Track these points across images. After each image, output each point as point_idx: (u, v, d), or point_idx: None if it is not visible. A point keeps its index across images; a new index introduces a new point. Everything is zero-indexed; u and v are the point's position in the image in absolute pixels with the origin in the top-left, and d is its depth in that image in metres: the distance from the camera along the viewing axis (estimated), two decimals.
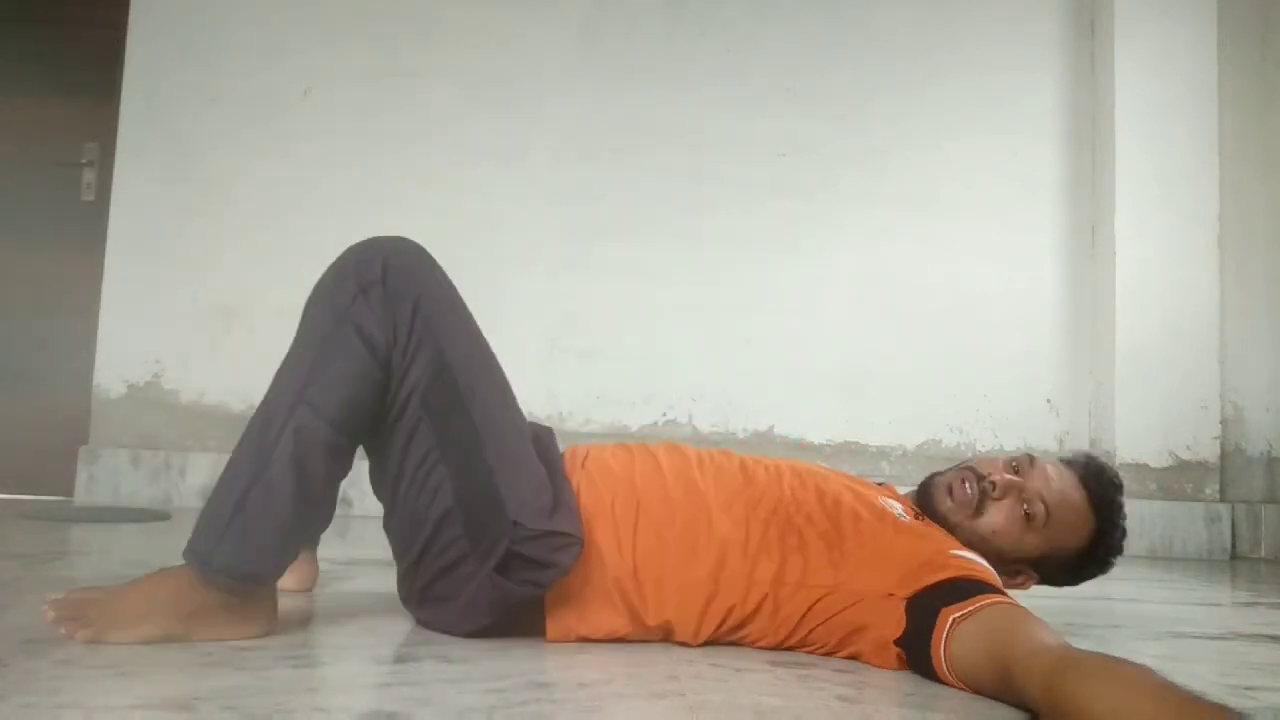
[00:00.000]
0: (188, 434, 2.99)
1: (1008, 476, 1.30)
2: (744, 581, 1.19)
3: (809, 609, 1.19)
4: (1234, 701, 1.08)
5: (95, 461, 2.93)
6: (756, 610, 1.20)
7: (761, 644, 1.22)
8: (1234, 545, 3.15)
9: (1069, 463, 1.37)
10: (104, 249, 3.00)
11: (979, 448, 3.22)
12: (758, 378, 3.17)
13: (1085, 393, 3.27)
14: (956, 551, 1.20)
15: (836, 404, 3.19)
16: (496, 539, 1.13)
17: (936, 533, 1.26)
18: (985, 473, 1.31)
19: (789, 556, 1.20)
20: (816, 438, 3.17)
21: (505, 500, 1.14)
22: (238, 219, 3.04)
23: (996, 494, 1.29)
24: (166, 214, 3.02)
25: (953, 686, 1.06)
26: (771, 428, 3.16)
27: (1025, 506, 1.28)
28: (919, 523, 1.27)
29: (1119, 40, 3.23)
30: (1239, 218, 3.29)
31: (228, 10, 3.09)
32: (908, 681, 1.10)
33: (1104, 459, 1.38)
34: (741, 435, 3.14)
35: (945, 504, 1.31)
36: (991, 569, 1.20)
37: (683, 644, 1.22)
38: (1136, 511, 3.00)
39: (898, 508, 1.28)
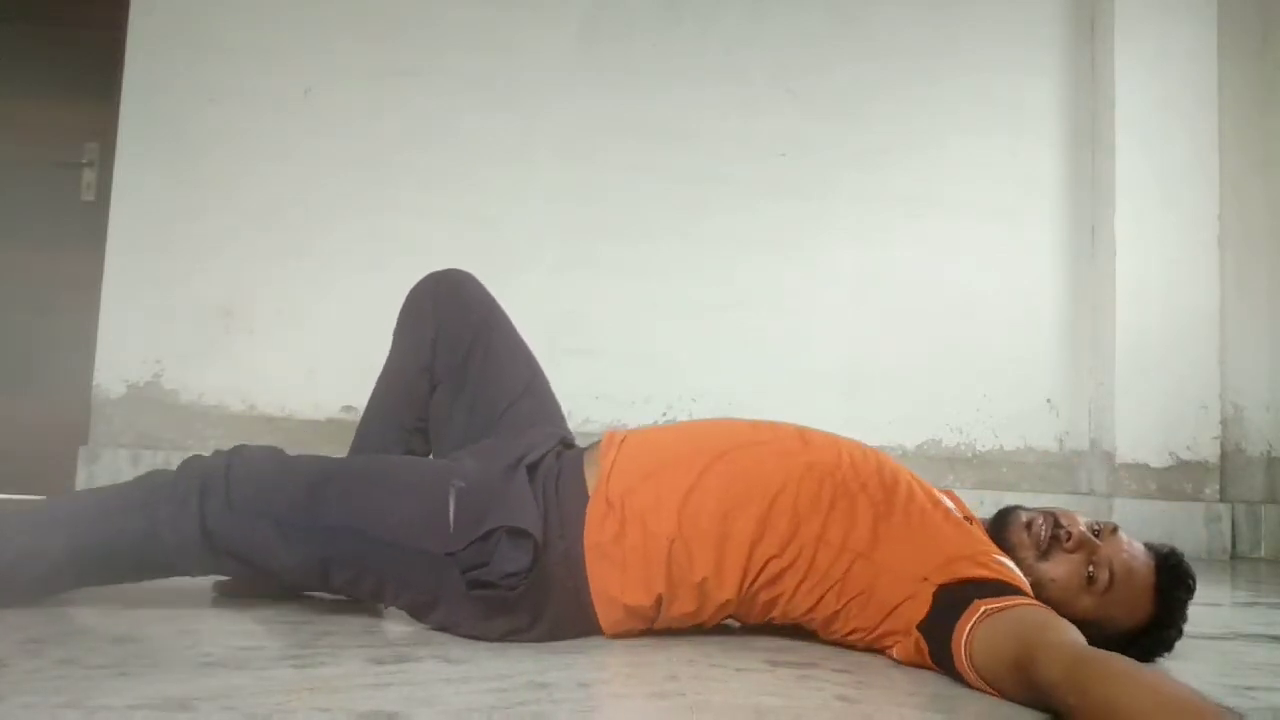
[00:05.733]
0: (188, 434, 2.98)
1: (1085, 533, 1.26)
2: (788, 533, 1.20)
3: (844, 573, 1.20)
4: (1234, 701, 1.08)
5: (95, 461, 2.93)
6: (792, 564, 1.21)
7: (796, 605, 1.23)
8: (1234, 545, 3.14)
9: (1151, 547, 1.32)
10: (104, 249, 2.99)
11: (979, 448, 3.22)
12: (758, 378, 3.17)
13: (1085, 393, 3.27)
14: (999, 557, 1.19)
15: (836, 404, 3.18)
16: (447, 577, 1.17)
17: (984, 536, 1.26)
18: (1065, 523, 1.28)
19: (837, 518, 1.21)
20: None
21: (425, 547, 1.17)
22: (238, 219, 3.03)
23: (1069, 545, 1.25)
24: (166, 214, 3.01)
25: (963, 672, 1.06)
26: None
27: (1091, 568, 1.24)
28: (969, 523, 1.27)
29: (1119, 40, 3.23)
30: (1239, 218, 3.29)
31: (228, 10, 3.09)
32: (908, 681, 1.10)
33: (1182, 557, 1.31)
34: None
35: (1020, 536, 1.28)
36: (1027, 583, 1.18)
37: (725, 603, 1.23)
38: (1137, 512, 3.01)
39: (952, 505, 1.28)
